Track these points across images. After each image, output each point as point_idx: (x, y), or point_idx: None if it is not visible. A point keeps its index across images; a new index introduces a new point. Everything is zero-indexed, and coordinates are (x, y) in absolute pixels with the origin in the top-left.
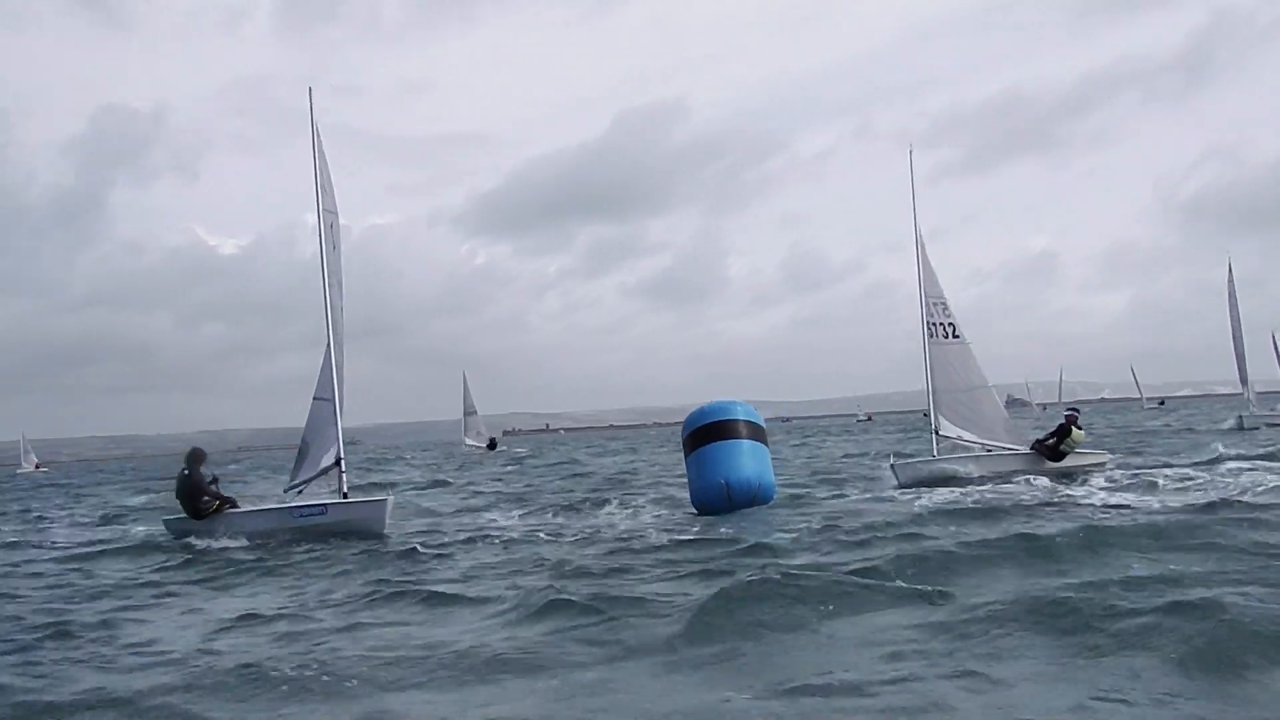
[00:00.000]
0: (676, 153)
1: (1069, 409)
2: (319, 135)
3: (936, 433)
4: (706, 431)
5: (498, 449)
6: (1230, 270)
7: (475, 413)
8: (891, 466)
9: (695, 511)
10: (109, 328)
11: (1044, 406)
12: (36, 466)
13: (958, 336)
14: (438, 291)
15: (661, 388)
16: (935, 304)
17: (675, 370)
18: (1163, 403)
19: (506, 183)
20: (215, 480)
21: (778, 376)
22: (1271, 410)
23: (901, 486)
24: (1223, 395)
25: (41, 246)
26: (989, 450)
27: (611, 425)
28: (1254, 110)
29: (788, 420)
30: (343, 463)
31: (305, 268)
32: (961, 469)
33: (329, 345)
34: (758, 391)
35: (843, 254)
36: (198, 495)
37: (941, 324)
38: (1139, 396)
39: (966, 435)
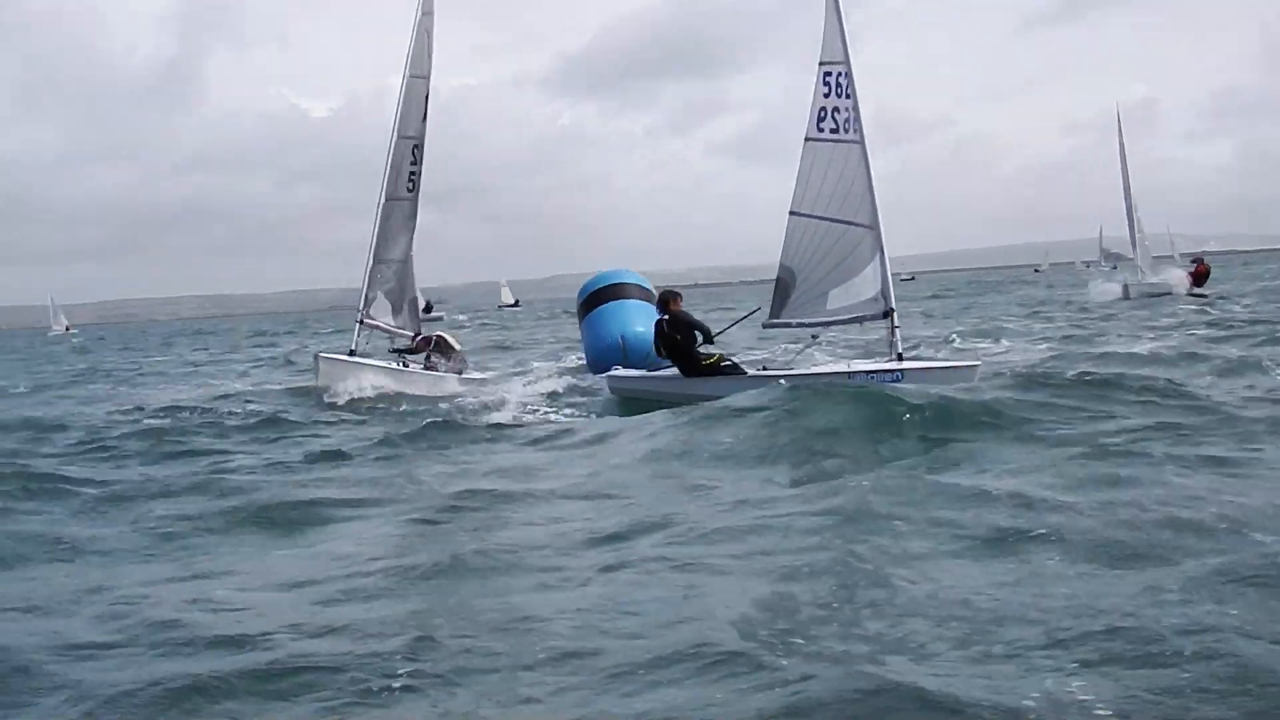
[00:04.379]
0: (762, 7)
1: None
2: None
3: (362, 322)
4: (599, 295)
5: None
6: (1120, 123)
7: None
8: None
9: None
10: (208, 193)
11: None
12: (67, 329)
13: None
14: (523, 153)
15: (748, 245)
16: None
17: (761, 228)
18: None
19: (591, 42)
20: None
21: None
22: (1154, 280)
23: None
24: None
25: (145, 115)
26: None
27: (698, 284)
28: None
29: None
30: (894, 314)
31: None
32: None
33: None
34: None
35: (931, 107)
36: (691, 342)
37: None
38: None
39: (386, 321)
